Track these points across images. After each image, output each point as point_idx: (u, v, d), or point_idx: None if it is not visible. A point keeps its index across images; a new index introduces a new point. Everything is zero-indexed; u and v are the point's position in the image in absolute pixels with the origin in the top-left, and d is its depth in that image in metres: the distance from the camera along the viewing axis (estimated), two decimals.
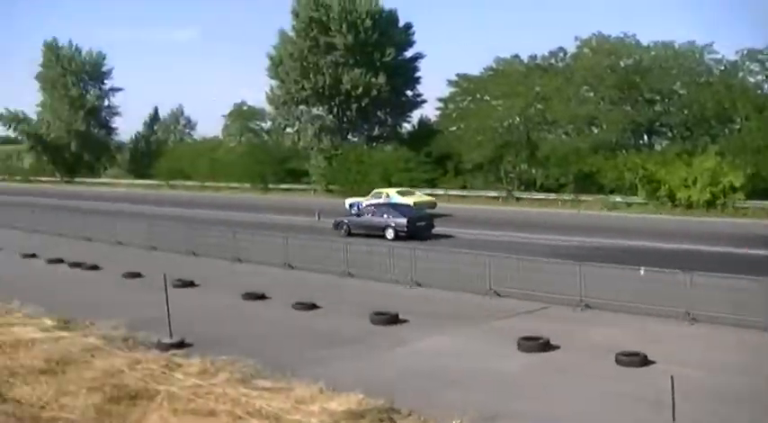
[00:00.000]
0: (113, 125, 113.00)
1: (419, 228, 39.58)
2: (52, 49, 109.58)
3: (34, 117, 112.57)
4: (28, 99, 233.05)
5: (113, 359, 16.91)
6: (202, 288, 27.11)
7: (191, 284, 27.18)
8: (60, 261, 33.41)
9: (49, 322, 20.34)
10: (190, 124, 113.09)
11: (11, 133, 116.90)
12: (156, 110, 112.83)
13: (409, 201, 48.17)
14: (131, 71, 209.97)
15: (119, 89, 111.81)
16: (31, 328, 19.71)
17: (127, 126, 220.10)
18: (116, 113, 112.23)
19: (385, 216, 40.31)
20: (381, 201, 47.55)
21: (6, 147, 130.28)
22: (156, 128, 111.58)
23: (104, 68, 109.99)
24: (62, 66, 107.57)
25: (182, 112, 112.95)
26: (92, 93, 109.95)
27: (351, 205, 49.71)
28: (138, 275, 29.33)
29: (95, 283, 28.64)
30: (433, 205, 50.32)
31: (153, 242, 37.34)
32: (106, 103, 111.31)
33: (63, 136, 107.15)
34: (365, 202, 48.16)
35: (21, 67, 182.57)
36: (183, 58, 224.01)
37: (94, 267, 31.82)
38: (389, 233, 39.05)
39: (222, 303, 24.44)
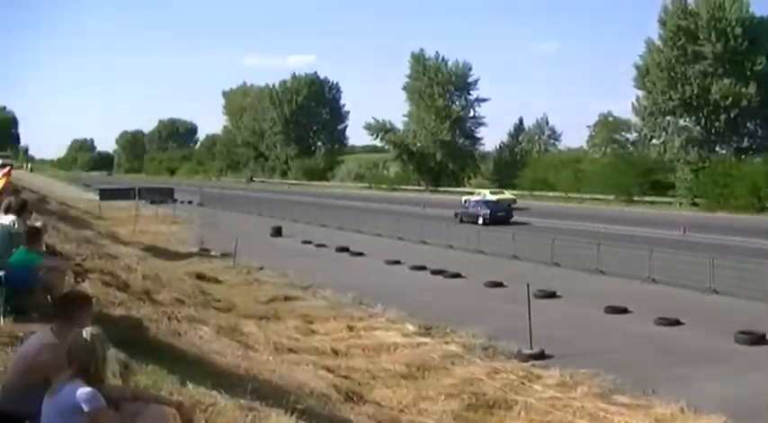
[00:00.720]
0: (478, 135, 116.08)
1: (499, 217, 55.30)
2: (419, 61, 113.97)
3: (400, 127, 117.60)
4: (395, 109, 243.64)
5: (472, 367, 17.09)
6: (564, 299, 26.90)
7: (552, 295, 27.08)
8: (423, 268, 34.37)
9: (410, 328, 20.89)
10: (554, 135, 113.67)
11: (377, 142, 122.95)
12: (520, 120, 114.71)
13: (494, 198, 70.25)
14: (497, 82, 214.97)
15: (484, 99, 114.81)
16: (394, 332, 20.31)
17: (492, 136, 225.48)
18: (481, 123, 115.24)
19: (478, 208, 58.77)
20: (479, 198, 69.04)
21: (373, 155, 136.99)
22: (520, 138, 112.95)
23: (470, 79, 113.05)
24: (428, 76, 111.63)
25: (546, 123, 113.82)
26: (457, 103, 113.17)
27: (464, 201, 68.99)
28: (499, 285, 29.62)
29: (457, 291, 29.16)
30: (514, 201, 71.55)
31: (515, 251, 37.75)
32: (471, 113, 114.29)
33: (428, 145, 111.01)
34: (472, 199, 69.22)
35: (390, 79, 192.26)
36: (547, 69, 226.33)
37: (457, 275, 32.44)
38: (480, 220, 54.24)
39: (583, 315, 24.15)
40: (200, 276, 28.56)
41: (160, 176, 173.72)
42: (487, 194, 73.03)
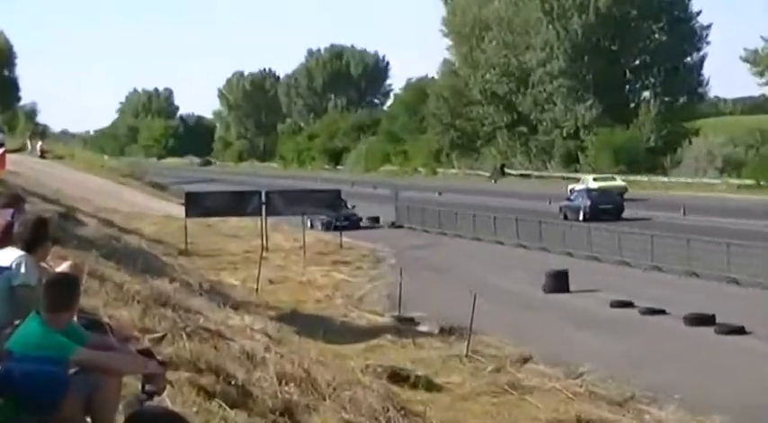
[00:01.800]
0: None
1: (602, 210, 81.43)
2: None
3: None
4: None
5: None
6: None
7: None
8: None
9: None
10: None
11: None
12: None
13: (596, 185, 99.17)
14: None
15: None
16: None
17: None
18: None
19: (579, 200, 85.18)
20: (582, 187, 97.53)
21: (759, 118, 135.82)
22: None
23: None
24: None
25: None
26: None
27: (570, 191, 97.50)
28: None
29: None
30: (624, 190, 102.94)
31: None
32: None
33: None
34: (577, 187, 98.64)
35: None
36: None
37: None
38: (580, 215, 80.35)
39: None
40: (396, 376, 28.73)
41: (311, 167, 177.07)
42: (590, 182, 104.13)
